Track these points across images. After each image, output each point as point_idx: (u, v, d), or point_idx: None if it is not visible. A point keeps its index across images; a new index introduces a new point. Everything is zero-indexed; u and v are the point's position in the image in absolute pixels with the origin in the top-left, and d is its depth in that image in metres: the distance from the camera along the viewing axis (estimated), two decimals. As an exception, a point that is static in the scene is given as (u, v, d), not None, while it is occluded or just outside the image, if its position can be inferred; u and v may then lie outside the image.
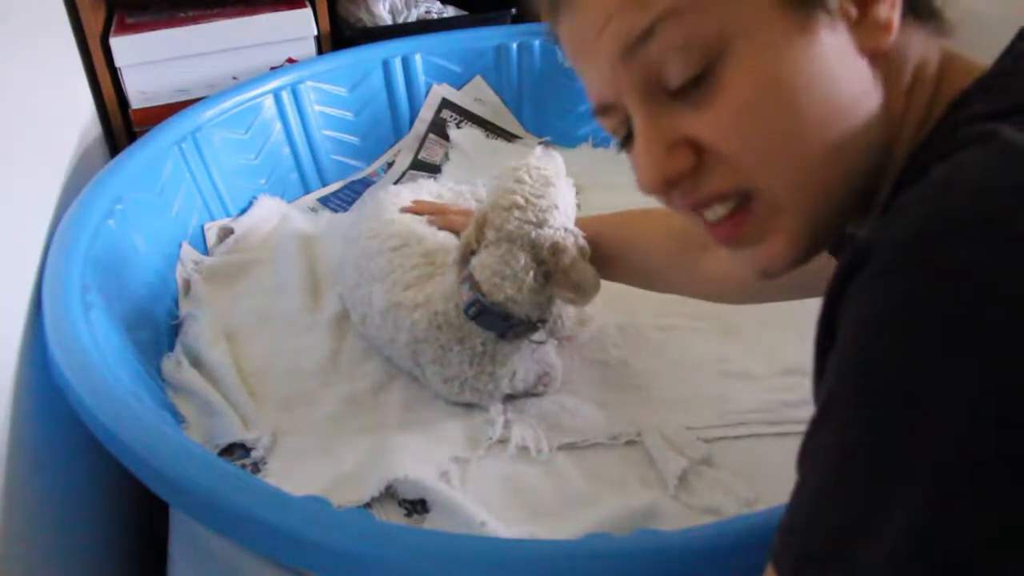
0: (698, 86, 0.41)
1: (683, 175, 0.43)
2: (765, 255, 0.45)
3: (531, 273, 0.79)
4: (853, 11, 0.41)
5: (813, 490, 0.34)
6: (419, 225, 0.94)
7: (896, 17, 0.41)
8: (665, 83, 0.42)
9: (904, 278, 0.32)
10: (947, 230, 0.31)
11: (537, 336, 0.84)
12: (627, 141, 0.47)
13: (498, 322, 0.80)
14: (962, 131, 0.38)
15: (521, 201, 0.78)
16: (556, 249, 0.79)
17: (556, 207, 0.79)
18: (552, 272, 0.79)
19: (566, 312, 0.94)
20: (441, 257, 0.89)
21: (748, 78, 0.40)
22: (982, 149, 0.34)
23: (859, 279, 0.34)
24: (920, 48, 0.43)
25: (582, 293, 0.80)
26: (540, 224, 0.78)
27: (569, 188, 0.83)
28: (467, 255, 0.82)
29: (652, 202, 0.48)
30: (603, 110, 0.46)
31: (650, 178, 0.43)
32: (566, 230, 0.80)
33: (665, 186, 0.44)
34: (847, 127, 0.41)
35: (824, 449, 0.34)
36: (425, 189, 1.07)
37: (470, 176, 1.20)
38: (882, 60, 0.42)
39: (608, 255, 0.84)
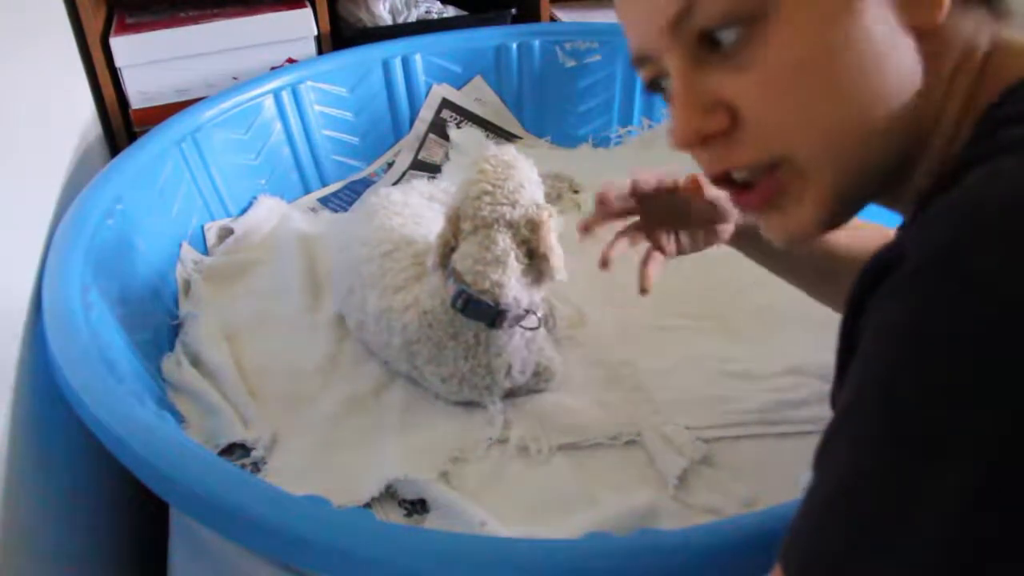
0: (743, 48, 0.41)
1: (717, 135, 0.43)
2: (793, 221, 0.45)
3: (512, 254, 0.80)
4: None
5: (825, 496, 0.34)
6: (409, 228, 0.94)
7: None
8: (710, 42, 0.42)
9: (931, 289, 0.31)
10: (977, 242, 0.31)
11: (529, 322, 0.84)
12: (659, 89, 0.47)
13: (486, 310, 0.80)
14: (1003, 133, 0.37)
15: (488, 187, 0.80)
16: (534, 224, 0.81)
17: (523, 186, 0.81)
18: (535, 248, 0.81)
19: (559, 310, 0.95)
20: (433, 259, 0.89)
21: (794, 43, 0.40)
22: (1020, 159, 0.34)
23: (887, 284, 0.33)
24: (970, 30, 0.42)
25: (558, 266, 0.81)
26: (512, 204, 0.80)
27: (531, 167, 0.85)
28: (447, 253, 0.83)
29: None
30: (640, 61, 0.46)
31: (684, 136, 0.43)
32: (537, 206, 0.82)
33: (699, 143, 0.44)
34: (886, 105, 0.40)
35: (840, 456, 0.34)
36: (416, 190, 1.07)
37: (470, 176, 1.20)
38: (929, 38, 0.41)
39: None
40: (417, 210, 1.00)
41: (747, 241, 0.75)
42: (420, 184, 1.12)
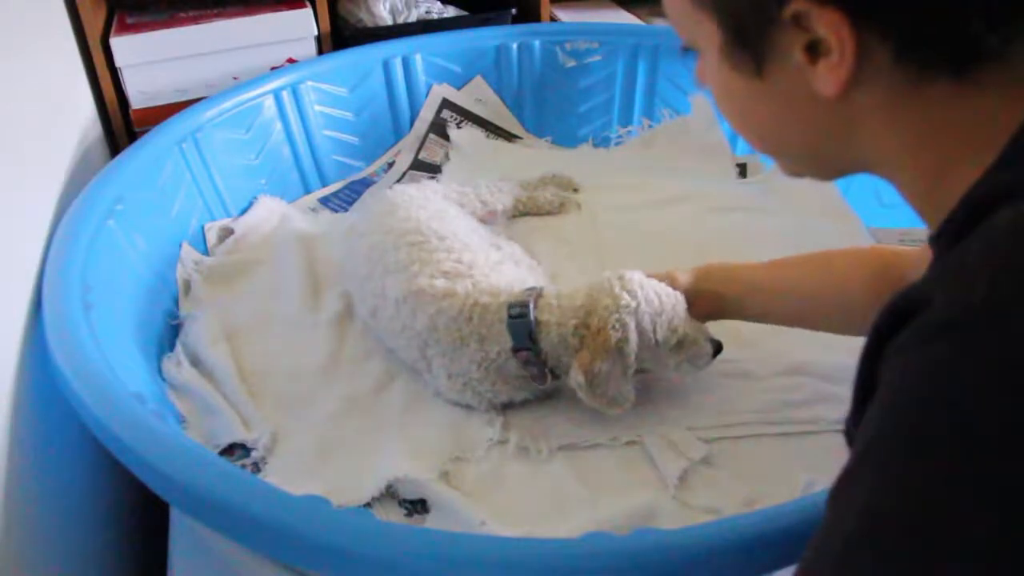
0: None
1: None
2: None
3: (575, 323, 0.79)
4: (801, 58, 0.42)
5: (846, 534, 0.33)
6: (436, 223, 0.95)
7: (842, 74, 0.41)
8: None
9: (959, 346, 0.31)
10: (1006, 301, 0.31)
11: (546, 386, 0.85)
12: None
13: (523, 333, 0.80)
14: None
15: (648, 324, 0.79)
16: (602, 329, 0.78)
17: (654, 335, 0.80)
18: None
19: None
20: (468, 256, 0.89)
21: (708, 72, 0.51)
22: None
23: (914, 328, 0.33)
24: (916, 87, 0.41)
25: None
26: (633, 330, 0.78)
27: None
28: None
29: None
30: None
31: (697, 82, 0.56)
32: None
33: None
34: (787, 137, 0.49)
35: (863, 494, 0.33)
36: (430, 189, 1.07)
37: (470, 176, 1.20)
38: (854, 96, 0.42)
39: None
40: (440, 206, 1.01)
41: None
42: (431, 183, 1.12)
